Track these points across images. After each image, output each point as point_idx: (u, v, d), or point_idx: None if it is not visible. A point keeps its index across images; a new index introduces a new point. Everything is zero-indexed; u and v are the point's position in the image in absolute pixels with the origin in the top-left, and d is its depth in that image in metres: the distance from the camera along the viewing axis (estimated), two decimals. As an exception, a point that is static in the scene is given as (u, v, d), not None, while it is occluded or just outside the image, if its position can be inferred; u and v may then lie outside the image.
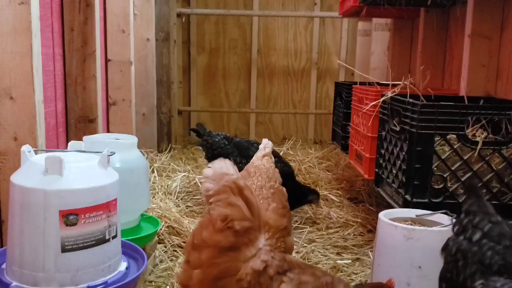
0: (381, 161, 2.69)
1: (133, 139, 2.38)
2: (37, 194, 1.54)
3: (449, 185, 2.21)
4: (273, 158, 2.22)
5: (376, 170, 2.80)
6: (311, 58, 5.83)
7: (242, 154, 3.14)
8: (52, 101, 2.71)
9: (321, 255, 2.53)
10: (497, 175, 2.19)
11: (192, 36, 5.71)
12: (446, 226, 1.86)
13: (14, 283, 1.58)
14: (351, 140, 3.55)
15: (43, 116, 2.10)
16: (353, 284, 2.09)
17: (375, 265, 1.97)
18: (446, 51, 3.56)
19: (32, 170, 1.59)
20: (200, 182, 2.12)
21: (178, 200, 3.33)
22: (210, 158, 3.18)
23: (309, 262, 2.43)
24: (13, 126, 1.98)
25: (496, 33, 2.76)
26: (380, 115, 2.75)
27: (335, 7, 5.33)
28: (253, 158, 2.18)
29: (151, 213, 2.67)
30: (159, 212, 2.81)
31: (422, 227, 1.94)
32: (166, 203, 3.11)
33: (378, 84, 3.41)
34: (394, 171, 2.46)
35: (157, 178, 3.74)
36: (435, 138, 2.19)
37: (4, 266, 1.69)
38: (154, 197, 3.25)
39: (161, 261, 2.43)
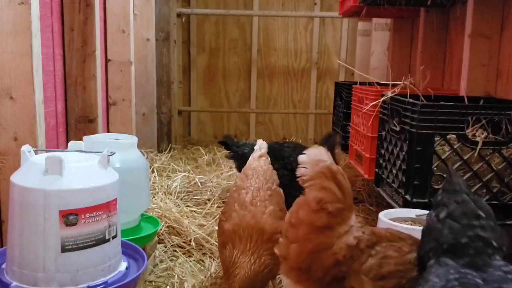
0: (381, 161, 2.70)
1: (133, 139, 2.38)
2: (37, 194, 1.54)
3: (449, 185, 2.21)
4: (269, 159, 2.23)
5: (376, 170, 2.81)
6: (311, 58, 5.83)
7: (276, 157, 2.89)
8: (52, 101, 2.71)
9: (321, 255, 2.53)
10: (497, 175, 2.19)
11: (192, 36, 5.71)
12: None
13: (14, 283, 1.58)
14: (351, 140, 3.56)
15: (43, 116, 2.10)
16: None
17: (375, 265, 1.97)
18: (446, 51, 3.56)
19: (32, 170, 1.59)
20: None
21: (178, 200, 3.33)
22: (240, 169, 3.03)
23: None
24: (13, 126, 1.98)
25: (496, 33, 2.76)
26: (380, 115, 2.76)
27: (335, 7, 5.33)
28: (249, 160, 2.19)
29: (151, 213, 2.67)
30: (159, 212, 2.81)
31: (422, 227, 1.93)
32: (166, 203, 3.11)
33: (378, 84, 3.41)
34: (394, 171, 2.46)
35: (157, 178, 3.74)
36: (435, 138, 2.19)
37: (4, 266, 1.69)
38: (154, 197, 3.25)
39: (161, 261, 2.43)
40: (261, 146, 2.28)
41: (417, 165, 2.20)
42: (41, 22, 2.12)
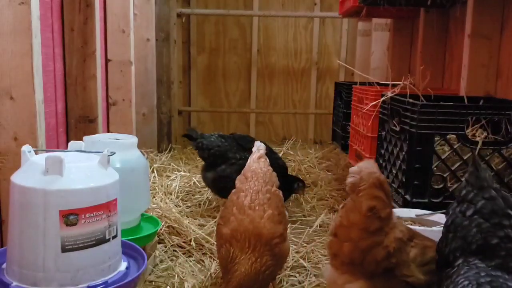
0: (381, 161, 2.70)
1: (133, 139, 2.38)
2: (37, 194, 1.54)
3: (449, 185, 2.21)
4: (268, 160, 2.22)
5: (376, 170, 2.80)
6: (311, 58, 5.83)
7: (244, 146, 3.13)
8: (52, 101, 2.71)
9: (321, 255, 2.53)
10: (497, 175, 2.19)
11: (192, 36, 5.71)
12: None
13: (14, 283, 1.58)
14: (351, 140, 3.56)
15: (43, 116, 2.10)
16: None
17: (375, 265, 1.97)
18: (446, 51, 3.56)
19: (32, 170, 1.59)
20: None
21: (178, 200, 3.33)
22: (206, 158, 3.18)
23: (309, 262, 2.43)
24: (13, 126, 1.99)
25: (496, 33, 2.76)
26: (380, 115, 2.76)
27: (335, 7, 5.33)
28: (249, 161, 2.17)
29: (151, 213, 2.67)
30: (159, 212, 2.81)
31: (421, 227, 1.94)
32: (166, 203, 3.11)
33: (378, 84, 3.41)
34: (394, 171, 2.46)
35: (157, 178, 3.74)
36: (435, 138, 2.19)
37: (4, 266, 1.69)
38: (154, 197, 3.25)
39: (161, 261, 2.44)
40: (259, 147, 2.27)
41: (417, 165, 2.20)
42: (41, 22, 2.12)
